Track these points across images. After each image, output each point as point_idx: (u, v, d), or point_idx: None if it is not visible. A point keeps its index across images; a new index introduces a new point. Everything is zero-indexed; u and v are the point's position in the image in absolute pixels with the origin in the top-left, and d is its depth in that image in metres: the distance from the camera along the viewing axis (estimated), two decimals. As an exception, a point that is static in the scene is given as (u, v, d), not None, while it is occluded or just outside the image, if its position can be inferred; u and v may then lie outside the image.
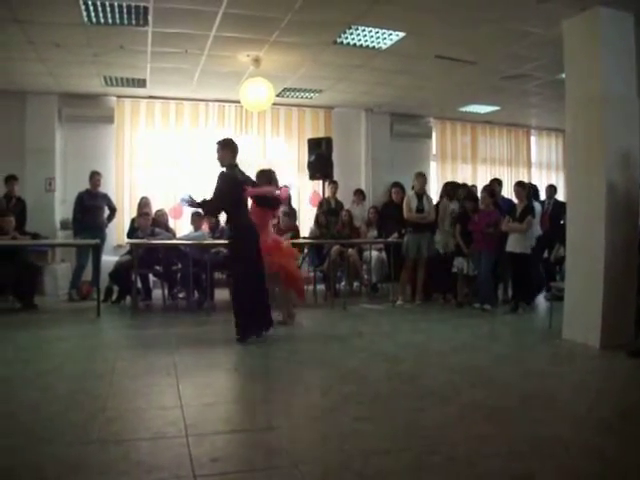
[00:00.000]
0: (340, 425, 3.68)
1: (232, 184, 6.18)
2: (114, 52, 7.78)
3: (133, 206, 10.00)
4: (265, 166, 8.05)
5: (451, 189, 9.27)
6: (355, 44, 7.56)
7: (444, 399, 4.23)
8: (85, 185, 9.40)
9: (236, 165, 6.35)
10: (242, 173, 6.42)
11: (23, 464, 3.04)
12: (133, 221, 9.17)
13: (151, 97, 10.44)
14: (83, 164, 9.77)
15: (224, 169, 6.25)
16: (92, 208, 9.27)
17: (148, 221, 8.77)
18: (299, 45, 7.67)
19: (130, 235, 8.86)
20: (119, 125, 10.48)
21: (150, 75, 9.00)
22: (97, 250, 8.42)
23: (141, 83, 9.46)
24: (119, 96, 10.32)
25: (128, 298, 8.48)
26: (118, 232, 10.10)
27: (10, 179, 9.00)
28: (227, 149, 6.31)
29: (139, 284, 8.52)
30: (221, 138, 6.52)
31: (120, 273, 8.57)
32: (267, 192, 6.69)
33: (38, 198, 9.67)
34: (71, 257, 9.46)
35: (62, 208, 10.04)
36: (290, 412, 4.07)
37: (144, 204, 9.25)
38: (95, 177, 9.41)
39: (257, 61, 8.09)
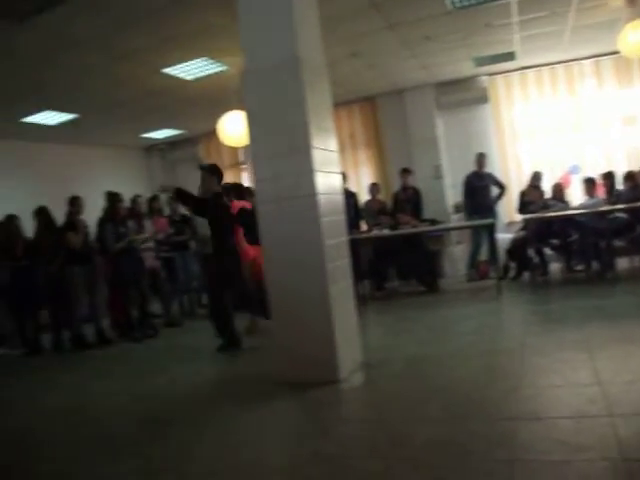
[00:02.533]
0: None
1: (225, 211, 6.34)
2: (480, 31, 7.83)
3: (521, 180, 9.92)
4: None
5: None
6: None
7: None
8: (470, 167, 9.60)
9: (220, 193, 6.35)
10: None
11: (450, 437, 3.21)
12: (522, 195, 9.05)
13: (522, 68, 10.22)
14: (465, 147, 10.12)
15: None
16: (480, 189, 9.42)
17: (540, 194, 8.57)
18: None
19: (521, 210, 8.81)
20: (494, 102, 10.53)
21: (519, 46, 8.79)
22: (491, 229, 8.56)
23: (509, 56, 9.32)
24: (490, 74, 10.34)
25: (526, 274, 8.44)
26: (509, 208, 10.08)
27: (403, 172, 9.69)
28: (215, 176, 6.31)
29: (536, 259, 8.41)
30: (206, 164, 6.78)
31: (516, 249, 8.57)
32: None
33: (429, 185, 10.25)
34: (466, 238, 9.78)
35: (452, 192, 10.47)
36: None
37: (535, 177, 9.10)
38: (481, 159, 9.52)
39: (632, 0, 7.29)
